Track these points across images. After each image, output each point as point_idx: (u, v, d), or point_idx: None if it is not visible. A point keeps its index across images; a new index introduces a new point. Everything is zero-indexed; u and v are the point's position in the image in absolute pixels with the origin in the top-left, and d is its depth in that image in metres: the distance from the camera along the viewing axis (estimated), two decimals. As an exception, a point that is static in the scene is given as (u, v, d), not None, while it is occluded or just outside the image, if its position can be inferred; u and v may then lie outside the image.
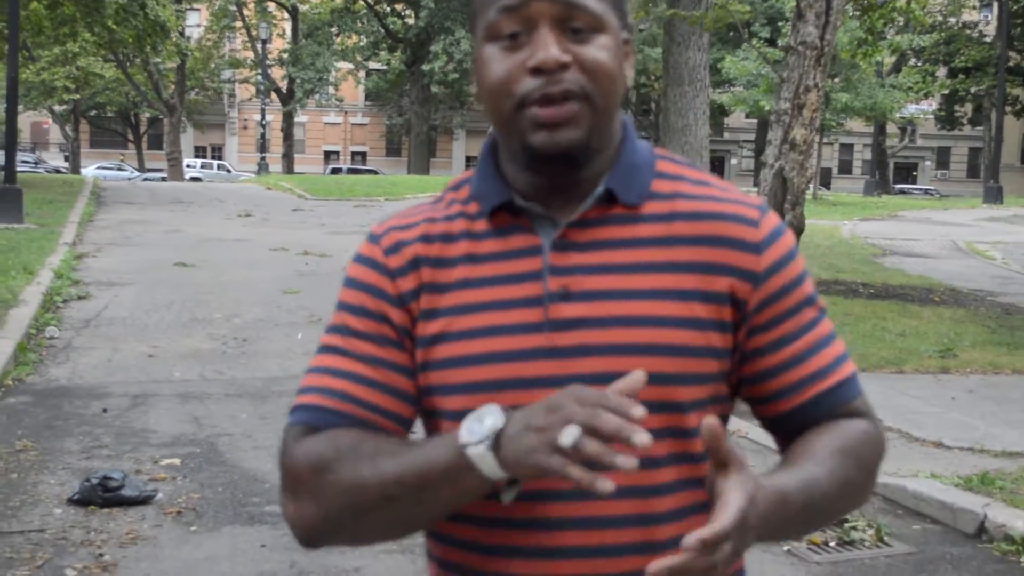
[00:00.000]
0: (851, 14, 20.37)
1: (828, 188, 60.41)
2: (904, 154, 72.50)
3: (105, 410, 8.24)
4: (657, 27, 36.93)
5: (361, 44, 58.22)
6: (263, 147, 50.69)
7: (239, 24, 58.93)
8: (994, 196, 38.94)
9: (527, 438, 1.33)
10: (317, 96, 58.60)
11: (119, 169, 58.24)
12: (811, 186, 39.28)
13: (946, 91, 54.68)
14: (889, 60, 45.10)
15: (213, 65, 61.95)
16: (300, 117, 66.04)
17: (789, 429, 1.63)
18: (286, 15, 59.74)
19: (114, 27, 29.81)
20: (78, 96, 56.28)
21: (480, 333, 1.53)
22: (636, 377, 1.35)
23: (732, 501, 1.31)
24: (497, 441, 1.36)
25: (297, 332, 11.29)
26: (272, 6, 58.06)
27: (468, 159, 74.43)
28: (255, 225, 22.43)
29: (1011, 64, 53.06)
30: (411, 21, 56.59)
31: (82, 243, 17.79)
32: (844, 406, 1.62)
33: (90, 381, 9.16)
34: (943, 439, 7.96)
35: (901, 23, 27.76)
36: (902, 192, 62.30)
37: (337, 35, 57.43)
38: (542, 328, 1.52)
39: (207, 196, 30.12)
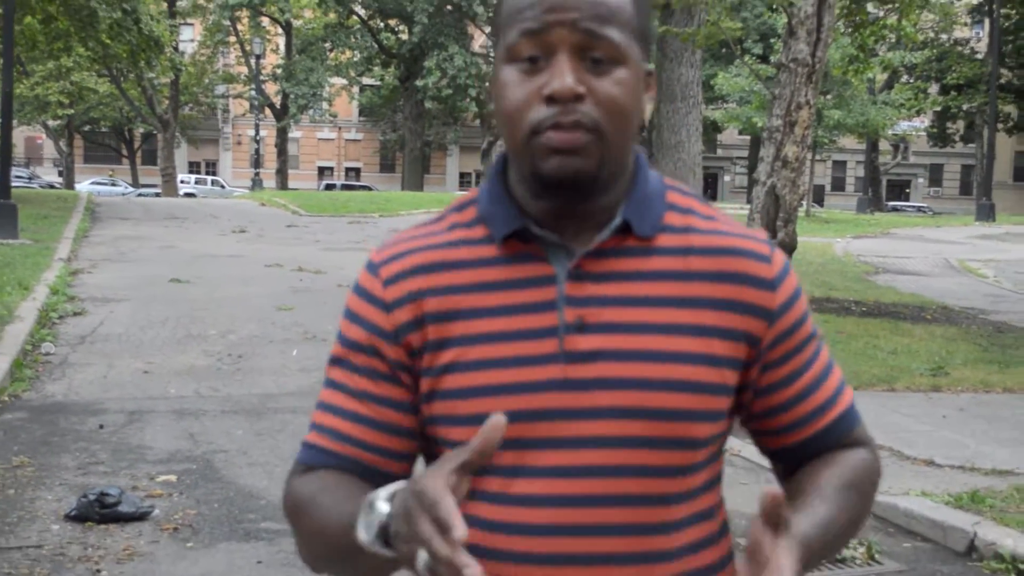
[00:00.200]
0: (842, 31, 20.48)
1: (821, 205, 60.59)
2: (897, 171, 72.67)
3: (101, 426, 8.28)
4: (650, 44, 37.02)
5: (355, 59, 58.31)
6: (257, 163, 50.71)
7: (233, 39, 58.99)
8: (986, 214, 39.08)
9: (399, 544, 1.34)
10: (311, 112, 58.72)
11: (113, 184, 58.27)
12: (804, 203, 39.39)
13: (938, 108, 55.00)
14: (881, 77, 45.26)
15: (207, 80, 61.99)
16: (294, 133, 66.13)
17: (793, 459, 1.66)
18: (280, 30, 59.85)
19: (108, 42, 29.86)
20: (72, 111, 56.30)
21: (492, 364, 1.50)
22: (496, 423, 1.34)
23: (786, 569, 1.32)
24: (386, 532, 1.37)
25: (292, 348, 11.34)
26: (266, 21, 58.15)
27: (462, 175, 74.52)
28: (249, 241, 22.48)
29: (1003, 81, 53.26)
30: (405, 37, 56.69)
31: (77, 259, 17.82)
32: (847, 436, 1.65)
33: (86, 397, 9.20)
34: (934, 457, 8.01)
35: (892, 40, 27.84)
36: (895, 209, 62.43)
37: (331, 50, 57.52)
38: (557, 359, 1.49)
39: (201, 212, 30.17)
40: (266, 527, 6.27)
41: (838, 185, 77.35)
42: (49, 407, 8.86)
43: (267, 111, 58.42)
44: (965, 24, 61.00)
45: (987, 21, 54.16)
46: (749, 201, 14.58)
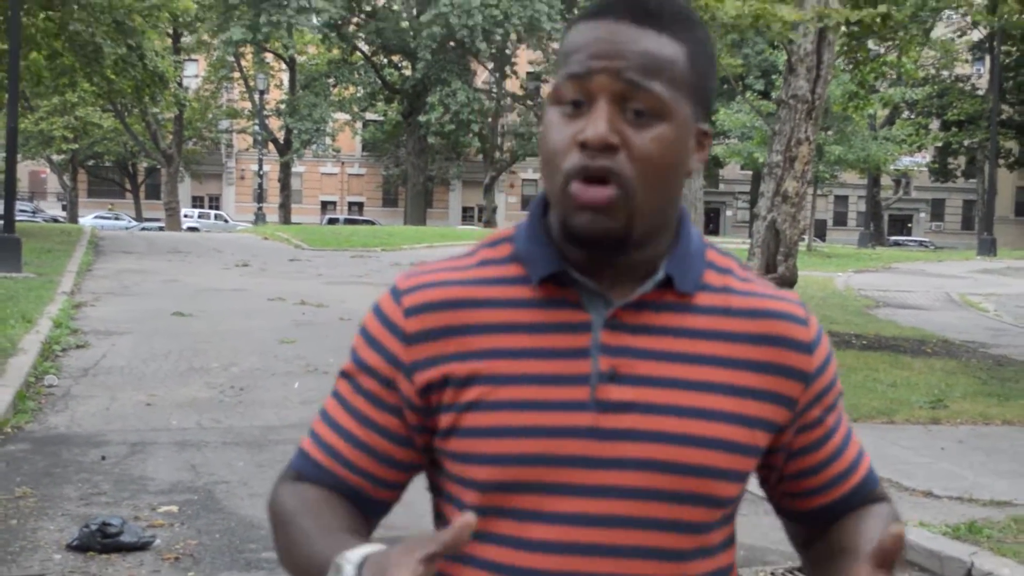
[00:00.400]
0: (842, 68, 20.61)
1: (823, 240, 60.68)
2: (899, 206, 72.85)
3: (103, 457, 8.31)
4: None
5: (358, 95, 58.61)
6: (260, 197, 50.92)
7: (237, 75, 59.29)
8: (988, 248, 39.18)
9: None
10: (314, 146, 58.96)
11: (116, 218, 58.46)
12: (805, 238, 39.49)
13: (939, 144, 55.11)
14: (882, 113, 45.43)
15: (211, 115, 62.34)
16: (297, 167, 66.41)
17: (818, 522, 1.66)
18: (283, 66, 60.16)
19: (113, 77, 30.10)
20: (76, 146, 56.61)
21: (519, 405, 1.47)
22: (466, 520, 1.30)
23: None
24: None
25: (294, 381, 11.38)
26: (270, 57, 58.44)
27: (464, 210, 74.71)
28: (252, 275, 22.55)
29: (1004, 117, 53.50)
30: (408, 72, 57.06)
31: (80, 292, 17.89)
32: (871, 494, 1.67)
33: (88, 429, 9.23)
34: (933, 488, 8.04)
35: (893, 77, 28.01)
36: (897, 244, 62.62)
37: (334, 86, 57.81)
38: (587, 407, 1.47)
39: (205, 246, 30.27)
40: (267, 557, 6.30)
41: (840, 220, 77.51)
42: (52, 438, 8.89)
43: (270, 146, 58.67)
44: (966, 61, 61.23)
45: (988, 58, 54.39)
46: (751, 235, 14.65)
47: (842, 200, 76.93)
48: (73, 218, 57.84)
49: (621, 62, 1.43)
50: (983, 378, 12.84)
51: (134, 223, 57.89)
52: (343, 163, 73.99)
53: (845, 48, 16.67)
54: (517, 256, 1.55)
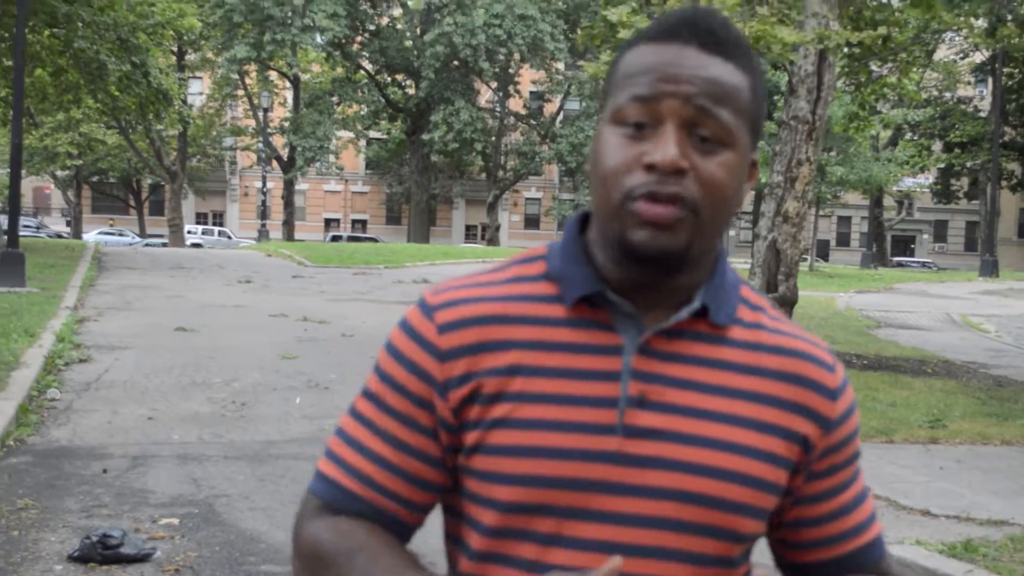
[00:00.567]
0: (844, 89, 20.70)
1: (826, 260, 60.77)
2: (901, 227, 72.92)
3: (105, 470, 8.35)
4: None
5: (362, 113, 58.79)
6: (264, 214, 50.99)
7: (241, 92, 59.44)
8: (990, 270, 39.26)
9: None
10: (318, 164, 59.03)
11: (121, 234, 58.57)
12: (807, 258, 39.55)
13: (942, 165, 55.24)
14: (885, 134, 45.54)
15: (215, 133, 62.47)
16: (301, 185, 66.53)
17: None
18: (287, 84, 60.28)
19: (117, 94, 30.20)
20: (80, 162, 56.78)
21: (546, 425, 1.46)
22: (613, 564, 1.31)
23: None
24: None
25: (295, 396, 11.43)
26: (274, 75, 58.58)
27: (468, 228, 74.81)
28: (255, 291, 22.61)
29: (1006, 139, 53.62)
30: (411, 91, 57.23)
31: (83, 307, 17.94)
32: (873, 565, 1.63)
33: (90, 442, 9.28)
34: (930, 507, 8.07)
35: (895, 99, 28.09)
36: (899, 265, 62.69)
37: (338, 104, 57.94)
38: (615, 431, 1.46)
39: (208, 262, 30.34)
40: (266, 570, 6.35)
41: (843, 240, 77.58)
42: (54, 451, 8.94)
43: (274, 163, 58.76)
44: (969, 83, 61.41)
45: (990, 80, 54.54)
46: (752, 255, 14.71)
47: (845, 221, 77.01)
48: (77, 234, 57.97)
49: (691, 88, 1.42)
50: (982, 398, 12.88)
51: (138, 239, 58.00)
52: (347, 181, 74.13)
53: (846, 69, 16.74)
54: (550, 275, 1.53)
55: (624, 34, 14.93)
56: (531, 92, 63.52)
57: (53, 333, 13.94)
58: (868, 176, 35.64)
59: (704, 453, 1.46)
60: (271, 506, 7.63)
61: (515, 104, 62.21)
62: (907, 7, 15.63)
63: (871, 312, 23.74)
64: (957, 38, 48.06)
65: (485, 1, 51.97)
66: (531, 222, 76.12)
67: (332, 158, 59.33)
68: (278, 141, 58.94)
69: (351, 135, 60.40)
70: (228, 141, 65.31)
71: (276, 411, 10.79)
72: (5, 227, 20.37)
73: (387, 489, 1.52)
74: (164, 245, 50.28)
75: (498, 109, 60.30)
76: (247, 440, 9.62)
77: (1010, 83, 52.97)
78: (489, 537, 1.49)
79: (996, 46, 22.18)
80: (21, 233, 21.91)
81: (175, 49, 51.62)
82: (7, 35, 24.67)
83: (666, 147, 1.41)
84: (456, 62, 54.55)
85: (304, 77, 59.62)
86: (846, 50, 15.28)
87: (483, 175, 64.06)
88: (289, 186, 58.30)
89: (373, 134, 64.12)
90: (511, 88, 59.10)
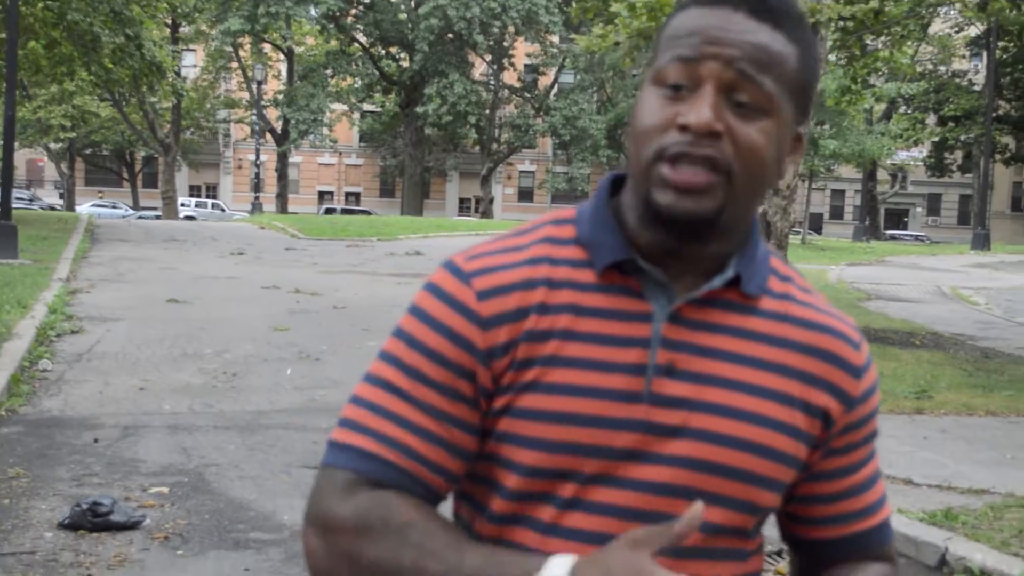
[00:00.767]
0: (835, 63, 20.70)
1: (819, 233, 60.82)
2: (895, 200, 72.97)
3: (96, 440, 8.42)
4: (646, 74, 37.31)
5: (356, 86, 58.67)
6: (257, 187, 50.96)
7: (235, 65, 59.37)
8: (981, 243, 39.36)
9: None
10: (311, 137, 58.96)
11: (113, 207, 58.53)
12: (800, 231, 39.62)
13: (936, 139, 55.26)
14: (879, 108, 45.53)
15: (209, 105, 62.39)
16: (294, 157, 66.44)
17: (820, 555, 1.63)
18: (281, 57, 60.21)
19: (111, 67, 30.13)
20: (74, 134, 56.65)
21: (575, 391, 1.44)
22: (696, 511, 1.29)
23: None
24: None
25: (286, 368, 11.49)
26: (268, 48, 58.47)
27: (461, 200, 74.79)
28: (248, 263, 22.66)
29: (1000, 112, 53.62)
30: (405, 64, 57.10)
31: (76, 279, 17.99)
32: (879, 548, 1.63)
33: (82, 412, 9.34)
34: (912, 477, 8.15)
35: (886, 72, 28.09)
36: (893, 238, 62.78)
37: (332, 77, 57.82)
38: (641, 399, 1.44)
39: (201, 234, 30.38)
40: (255, 537, 6.42)
41: (836, 213, 77.65)
42: (45, 421, 9.00)
43: (268, 136, 58.71)
44: (963, 56, 61.38)
45: (985, 53, 54.56)
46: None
47: (839, 194, 77.07)
48: (70, 206, 57.90)
49: (735, 51, 1.40)
50: (969, 370, 12.97)
51: (131, 212, 57.98)
52: (340, 154, 74.04)
53: (838, 43, 16.75)
54: (580, 240, 1.51)
55: (616, 8, 14.94)
56: (525, 65, 63.42)
57: (45, 305, 14.00)
58: (861, 149, 35.67)
59: (729, 424, 1.45)
60: (260, 475, 7.71)
61: (509, 77, 62.12)
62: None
63: (862, 284, 23.82)
64: (952, 11, 48.02)
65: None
66: (525, 195, 76.13)
67: (326, 131, 59.28)
68: (272, 114, 58.82)
69: (345, 108, 60.31)
70: (222, 114, 65.23)
71: (267, 382, 10.86)
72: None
73: (430, 460, 1.47)
74: (157, 218, 50.25)
75: (492, 82, 60.20)
76: (237, 410, 9.69)
77: (1005, 56, 52.97)
78: (510, 500, 1.48)
79: (989, 19, 22.22)
80: (14, 205, 21.95)
81: (169, 21, 51.44)
82: (0, 7, 24.61)
83: (701, 108, 1.39)
84: (450, 35, 54.42)
85: (298, 50, 59.54)
86: (840, 23, 15.27)
87: (477, 148, 64.02)
88: (283, 159, 58.27)
89: (367, 107, 64.04)
90: (505, 61, 58.99)
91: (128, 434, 8.69)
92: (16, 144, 32.32)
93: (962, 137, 56.37)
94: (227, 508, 6.97)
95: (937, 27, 54.16)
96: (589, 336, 1.45)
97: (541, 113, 59.55)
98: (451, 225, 39.97)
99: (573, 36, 49.35)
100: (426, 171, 64.07)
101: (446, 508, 1.52)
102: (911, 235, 67.97)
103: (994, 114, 45.14)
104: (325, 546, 1.44)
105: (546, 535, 1.45)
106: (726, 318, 1.48)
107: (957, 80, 58.25)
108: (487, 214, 59.24)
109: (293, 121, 54.79)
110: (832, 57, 19.09)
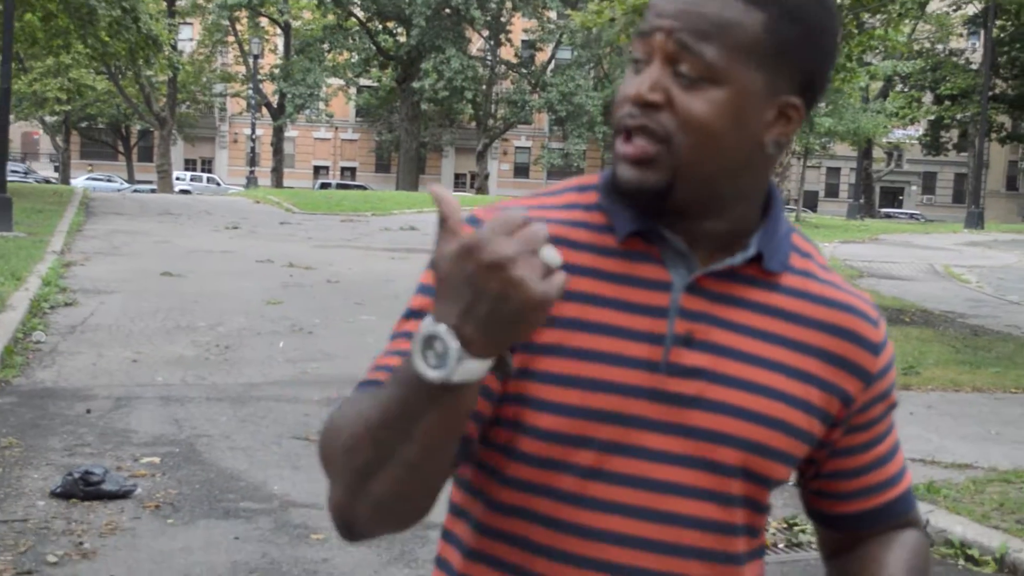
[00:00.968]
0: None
1: (815, 211, 60.85)
2: (890, 178, 73.02)
3: (89, 411, 8.49)
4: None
5: (352, 61, 58.60)
6: (253, 161, 50.92)
7: (231, 39, 59.27)
8: (975, 221, 39.41)
9: (488, 291, 1.16)
10: (307, 111, 58.94)
11: (108, 180, 58.49)
12: (794, 208, 39.66)
13: (932, 117, 55.25)
14: (875, 86, 45.52)
15: (205, 79, 62.25)
16: (290, 132, 66.40)
17: (848, 528, 1.65)
18: (278, 31, 60.11)
19: (107, 40, 30.08)
20: (69, 107, 56.53)
21: (594, 357, 1.44)
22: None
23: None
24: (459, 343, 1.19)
25: (279, 341, 11.55)
26: (264, 22, 58.40)
27: (457, 176, 74.76)
28: (242, 237, 22.69)
29: (996, 92, 53.59)
30: (402, 39, 56.97)
31: (70, 252, 18.03)
32: (906, 515, 1.65)
33: (75, 384, 9.41)
34: (897, 451, 8.23)
35: (882, 50, 28.08)
36: (888, 216, 62.87)
37: (328, 51, 57.74)
38: (658, 368, 1.44)
39: (196, 208, 30.38)
40: (244, 506, 6.50)
41: (832, 191, 77.68)
42: (38, 392, 9.07)
43: (264, 110, 58.65)
44: (960, 35, 61.31)
45: (982, 32, 54.53)
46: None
47: (834, 172, 77.07)
48: (65, 179, 57.83)
49: (674, 22, 1.39)
50: (957, 347, 13.04)
51: (126, 185, 57.94)
52: (336, 128, 73.98)
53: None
54: (602, 206, 1.50)
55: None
56: (522, 41, 63.38)
57: (39, 277, 14.05)
58: (856, 127, 35.70)
59: (744, 396, 1.46)
60: (251, 446, 7.78)
61: (506, 53, 62.04)
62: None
63: (855, 262, 23.86)
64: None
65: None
66: (520, 171, 76.11)
67: (322, 105, 59.25)
68: (268, 88, 58.77)
69: (341, 82, 60.28)
70: (218, 88, 65.11)
71: (259, 355, 10.92)
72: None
73: None
74: (153, 191, 50.25)
75: (489, 58, 60.14)
76: (230, 382, 9.76)
77: (1002, 35, 52.92)
78: (529, 465, 1.46)
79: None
80: (9, 178, 21.93)
81: (165, -6, 51.38)
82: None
83: (642, 82, 1.40)
84: (447, 10, 54.37)
85: (295, 24, 59.44)
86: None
87: (473, 124, 64.01)
88: (278, 133, 58.26)
89: (363, 82, 63.96)
90: (502, 36, 58.93)
91: (120, 405, 8.76)
92: (11, 117, 32.29)
93: (958, 116, 56.33)
94: (218, 478, 7.05)
95: (935, 5, 54.12)
96: (610, 301, 1.45)
97: (537, 89, 59.51)
98: (446, 200, 39.89)
99: (570, 12, 49.25)
100: (422, 146, 64.03)
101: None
102: (906, 213, 68.02)
103: (990, 93, 45.16)
104: (330, 486, 1.37)
105: (570, 505, 1.45)
106: (747, 292, 1.49)
107: (954, 59, 58.17)
108: (483, 190, 59.28)
109: (289, 95, 54.76)
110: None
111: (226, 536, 6.01)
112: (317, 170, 74.78)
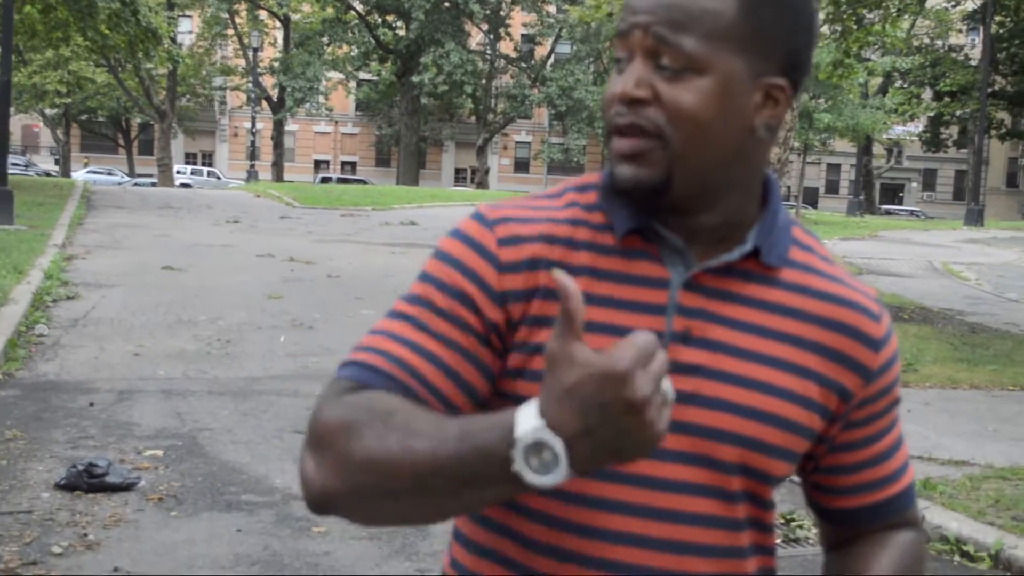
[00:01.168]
0: (827, 37, 20.76)
1: (815, 207, 60.89)
2: (890, 175, 73.01)
3: (92, 404, 8.53)
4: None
5: (352, 54, 58.65)
6: (253, 155, 50.93)
7: (231, 32, 59.28)
8: (975, 218, 39.43)
9: (618, 424, 1.16)
10: (307, 105, 59.00)
11: (109, 173, 58.52)
12: (794, 204, 39.68)
13: (931, 114, 55.25)
14: (874, 82, 45.54)
15: (204, 72, 62.31)
16: (290, 126, 66.49)
17: (847, 523, 1.65)
18: (278, 24, 60.10)
19: (107, 32, 30.07)
20: (69, 100, 56.58)
21: None
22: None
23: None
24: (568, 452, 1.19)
25: (279, 335, 11.60)
26: (264, 15, 58.38)
27: (457, 170, 74.78)
28: (242, 231, 22.73)
29: (996, 88, 53.61)
30: (402, 33, 57.03)
31: (72, 245, 18.06)
32: (904, 513, 1.64)
33: (77, 377, 9.45)
34: (894, 447, 8.28)
35: (880, 46, 28.15)
36: (888, 213, 62.87)
37: (328, 45, 57.80)
38: None
39: (196, 202, 30.42)
40: (246, 499, 6.56)
41: (832, 188, 77.71)
42: (41, 385, 9.12)
43: (264, 104, 58.65)
44: (960, 31, 61.31)
45: (981, 28, 54.55)
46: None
47: (834, 168, 77.09)
48: (66, 172, 57.90)
49: (648, 17, 1.40)
50: (955, 344, 13.09)
51: (126, 178, 57.95)
52: (336, 122, 73.99)
53: (830, 16, 16.83)
54: (602, 205, 1.51)
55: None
56: (522, 35, 63.45)
57: (41, 270, 14.09)
58: (855, 123, 35.70)
59: (743, 393, 1.45)
60: (253, 440, 7.84)
61: (506, 47, 62.08)
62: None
63: (854, 259, 23.89)
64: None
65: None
66: (520, 165, 76.13)
67: (322, 99, 59.32)
68: (268, 81, 58.80)
69: (341, 76, 60.29)
70: (218, 81, 65.16)
71: (260, 349, 10.97)
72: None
73: (429, 382, 1.43)
74: (153, 185, 50.21)
75: (488, 52, 60.17)
76: (231, 376, 9.81)
77: (1001, 31, 52.91)
78: None
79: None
80: (9, 171, 21.96)
81: (165, -13, 51.38)
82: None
83: (627, 80, 1.41)
84: (447, 3, 54.41)
85: (294, 17, 59.46)
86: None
87: (473, 118, 64.04)
88: (279, 127, 58.27)
89: (363, 75, 64.00)
90: (502, 30, 58.96)
91: (123, 398, 8.81)
92: (12, 109, 32.31)
93: (958, 112, 56.32)
94: (220, 471, 7.10)
95: (934, 1, 54.11)
96: (606, 300, 1.46)
97: (537, 83, 59.56)
98: (446, 195, 39.99)
99: (568, 6, 49.34)
100: (422, 141, 64.07)
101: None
102: (906, 210, 68.09)
103: (990, 89, 45.22)
104: (318, 465, 1.35)
105: (569, 503, 1.45)
106: (745, 288, 1.49)
107: (953, 55, 58.19)
108: (483, 184, 59.30)
109: (289, 89, 54.80)
110: (825, 30, 19.17)
111: (228, 528, 6.07)
112: (317, 164, 74.82)
